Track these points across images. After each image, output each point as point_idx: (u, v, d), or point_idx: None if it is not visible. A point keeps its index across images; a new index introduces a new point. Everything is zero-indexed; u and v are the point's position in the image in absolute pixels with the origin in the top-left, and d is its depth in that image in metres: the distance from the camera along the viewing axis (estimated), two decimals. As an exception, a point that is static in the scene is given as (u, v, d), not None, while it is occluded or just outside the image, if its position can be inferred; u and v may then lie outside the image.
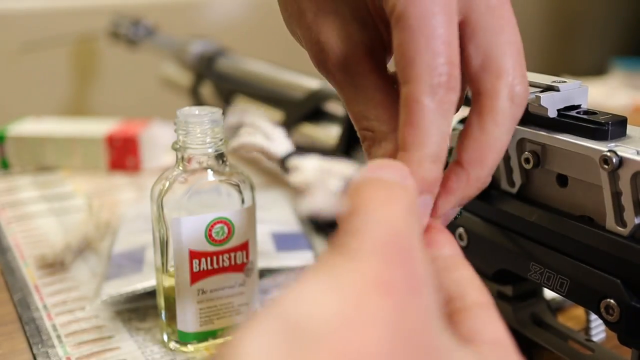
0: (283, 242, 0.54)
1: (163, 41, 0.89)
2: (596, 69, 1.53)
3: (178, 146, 0.39)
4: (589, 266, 0.30)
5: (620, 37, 1.76)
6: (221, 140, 0.40)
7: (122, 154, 0.75)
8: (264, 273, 0.50)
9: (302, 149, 0.46)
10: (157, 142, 0.77)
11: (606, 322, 0.30)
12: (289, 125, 0.62)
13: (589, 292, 0.30)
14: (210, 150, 0.39)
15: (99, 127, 0.78)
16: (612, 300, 0.29)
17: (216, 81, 0.74)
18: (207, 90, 0.76)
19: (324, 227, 0.58)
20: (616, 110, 0.35)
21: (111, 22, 0.98)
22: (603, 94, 1.08)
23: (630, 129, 0.31)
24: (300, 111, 0.62)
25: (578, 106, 0.32)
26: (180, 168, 0.40)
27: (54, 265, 0.53)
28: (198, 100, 0.79)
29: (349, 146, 0.59)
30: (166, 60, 0.86)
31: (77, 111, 1.10)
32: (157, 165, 0.76)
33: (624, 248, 0.29)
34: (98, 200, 0.67)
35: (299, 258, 0.51)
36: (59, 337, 0.43)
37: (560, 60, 1.66)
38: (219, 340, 0.42)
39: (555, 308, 0.44)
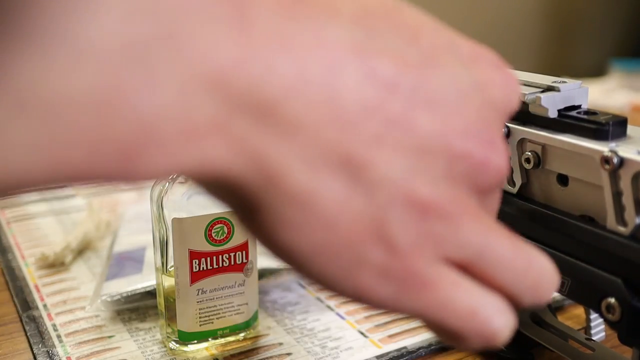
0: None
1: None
2: (595, 70, 1.53)
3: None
4: (590, 266, 0.30)
5: (619, 39, 1.76)
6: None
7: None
8: (264, 273, 0.50)
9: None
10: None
11: (607, 321, 0.30)
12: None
13: (590, 292, 0.30)
14: (210, 150, 0.39)
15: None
16: (613, 300, 0.29)
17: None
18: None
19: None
20: (615, 110, 0.35)
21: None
22: (602, 94, 1.08)
23: (630, 129, 0.31)
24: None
25: (578, 106, 0.32)
26: (181, 168, 0.40)
27: (54, 265, 0.53)
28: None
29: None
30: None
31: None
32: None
33: (625, 247, 0.29)
34: (98, 200, 0.67)
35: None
36: (59, 336, 0.43)
37: (559, 62, 1.66)
38: (219, 341, 0.42)
39: (554, 307, 0.44)
